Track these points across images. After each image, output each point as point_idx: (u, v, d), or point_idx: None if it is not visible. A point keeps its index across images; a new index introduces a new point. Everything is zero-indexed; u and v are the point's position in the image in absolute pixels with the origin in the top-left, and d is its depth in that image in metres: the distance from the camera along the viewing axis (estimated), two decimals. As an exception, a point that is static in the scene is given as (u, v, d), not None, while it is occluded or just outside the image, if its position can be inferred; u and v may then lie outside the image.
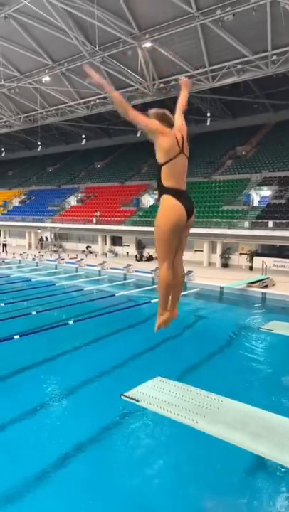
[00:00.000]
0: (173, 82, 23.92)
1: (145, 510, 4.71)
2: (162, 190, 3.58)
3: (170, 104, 22.35)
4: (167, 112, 3.61)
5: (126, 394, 4.30)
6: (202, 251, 25.23)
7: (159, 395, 4.14)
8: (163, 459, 5.57)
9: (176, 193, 3.55)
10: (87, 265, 22.80)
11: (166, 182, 3.55)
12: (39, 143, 36.01)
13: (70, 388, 7.83)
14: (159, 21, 19.58)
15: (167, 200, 3.54)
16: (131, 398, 4.13)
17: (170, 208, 3.51)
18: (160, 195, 3.60)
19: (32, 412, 6.88)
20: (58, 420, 6.80)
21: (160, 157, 3.53)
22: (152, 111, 3.58)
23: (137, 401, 3.95)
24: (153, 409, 4.06)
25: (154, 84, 24.20)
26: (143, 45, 20.97)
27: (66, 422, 6.71)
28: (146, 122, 3.47)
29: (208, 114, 28.95)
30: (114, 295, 16.21)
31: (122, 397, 4.30)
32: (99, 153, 41.36)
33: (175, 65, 22.30)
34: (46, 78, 25.74)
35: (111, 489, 4.98)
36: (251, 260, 22.75)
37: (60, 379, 8.41)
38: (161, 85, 24.36)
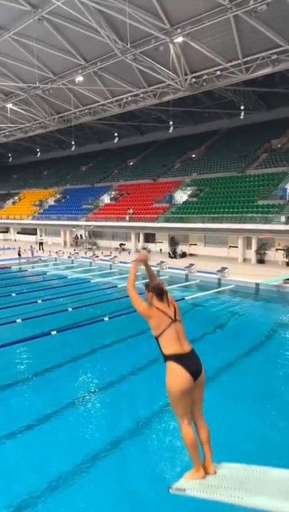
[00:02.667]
0: (205, 77, 23.60)
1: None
2: (164, 357, 3.88)
3: (202, 98, 22.18)
4: (161, 283, 4.23)
5: (173, 486, 4.23)
6: (237, 247, 24.83)
7: (204, 479, 4.16)
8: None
9: (177, 358, 3.78)
10: (121, 262, 23.01)
11: (165, 350, 3.86)
12: (73, 142, 36.62)
13: (106, 383, 7.96)
14: (190, 15, 19.34)
15: (169, 365, 3.81)
16: (179, 490, 4.11)
17: (173, 373, 3.77)
18: (165, 361, 3.90)
19: (68, 406, 7.04)
20: (95, 414, 6.93)
21: (153, 332, 3.96)
22: (151, 285, 4.20)
23: (184, 490, 3.96)
24: (200, 495, 4.05)
25: (186, 79, 23.96)
26: (175, 40, 20.79)
27: (102, 417, 6.83)
28: (139, 307, 4.04)
29: (242, 107, 28.33)
30: (148, 292, 16.25)
31: (170, 490, 4.22)
32: (131, 150, 41.56)
33: (208, 58, 21.97)
34: (79, 78, 26.08)
35: None
36: (288, 256, 22.14)
37: (96, 374, 8.56)
38: (193, 80, 24.09)
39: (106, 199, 37.34)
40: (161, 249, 29.32)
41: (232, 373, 8.31)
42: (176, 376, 3.74)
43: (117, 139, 37.38)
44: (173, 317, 3.95)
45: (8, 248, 30.78)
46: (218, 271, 18.24)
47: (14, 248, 29.54)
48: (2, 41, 23.49)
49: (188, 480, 4.01)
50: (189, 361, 3.81)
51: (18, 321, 11.22)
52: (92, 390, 7.83)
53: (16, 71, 27.66)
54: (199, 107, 31.69)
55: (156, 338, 3.93)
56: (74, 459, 5.46)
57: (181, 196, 30.91)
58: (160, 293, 4.06)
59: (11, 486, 5.04)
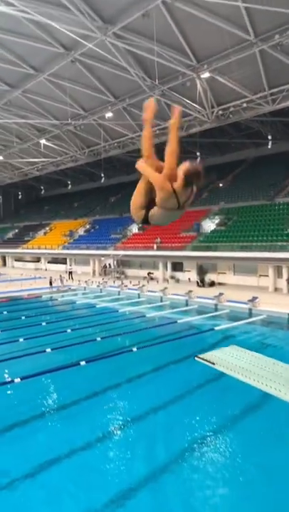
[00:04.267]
0: (232, 109, 24.04)
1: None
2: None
3: (229, 129, 22.45)
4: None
5: (201, 356, 4.17)
6: (267, 276, 24.31)
7: (235, 360, 3.98)
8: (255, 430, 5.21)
9: None
10: (149, 291, 22.95)
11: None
12: (102, 175, 37.68)
13: (135, 416, 7.78)
14: (216, 51, 19.96)
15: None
16: (206, 360, 4.00)
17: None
18: None
19: (97, 440, 6.90)
20: (124, 448, 6.75)
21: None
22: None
23: (213, 364, 3.84)
24: (230, 373, 3.90)
25: (212, 112, 24.47)
26: (201, 76, 21.42)
27: (132, 451, 6.63)
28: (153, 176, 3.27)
29: (269, 137, 28.50)
30: (176, 322, 16.07)
31: (196, 358, 4.19)
32: (159, 181, 42.24)
33: (234, 91, 22.44)
34: (109, 114, 27.15)
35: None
36: None
37: (125, 407, 8.40)
38: (220, 112, 24.56)
39: (134, 229, 37.79)
40: (189, 279, 29.11)
41: (266, 407, 7.95)
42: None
43: (145, 170, 38.17)
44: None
45: (39, 277, 31.42)
46: (249, 300, 17.85)
47: (45, 277, 30.13)
48: (38, 82, 24.93)
49: None
50: None
51: (48, 350, 11.29)
52: (121, 423, 7.67)
53: (49, 109, 29.14)
54: (226, 137, 32.13)
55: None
56: (100, 495, 5.30)
57: (209, 225, 30.90)
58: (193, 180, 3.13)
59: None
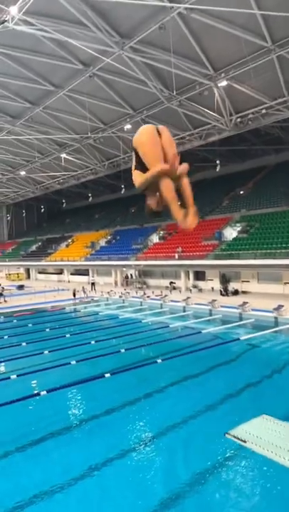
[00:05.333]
0: (250, 116, 23.89)
1: None
2: None
3: (248, 136, 22.25)
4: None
5: (231, 432, 3.99)
6: (292, 283, 23.81)
7: (267, 435, 3.76)
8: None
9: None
10: (172, 301, 22.82)
11: None
12: (122, 186, 38.01)
13: (160, 429, 7.66)
14: (234, 59, 19.95)
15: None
16: (236, 438, 3.82)
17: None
18: None
19: (122, 454, 6.82)
20: (149, 461, 6.64)
21: None
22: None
23: (244, 441, 3.65)
24: (263, 453, 3.69)
25: (231, 120, 24.38)
26: (219, 85, 21.42)
27: (157, 465, 6.51)
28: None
29: (290, 142, 28.12)
30: (200, 332, 15.88)
31: (227, 435, 4.01)
32: (179, 190, 42.25)
33: (252, 98, 22.32)
34: (128, 126, 27.45)
35: None
36: None
37: (150, 419, 8.30)
38: (239, 120, 24.44)
39: (155, 238, 37.83)
40: (212, 288, 28.81)
41: None
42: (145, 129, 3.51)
43: (164, 180, 38.28)
44: None
45: (62, 289, 31.75)
46: (275, 309, 17.48)
47: (68, 289, 30.42)
48: (57, 98, 25.50)
49: None
50: None
51: (73, 362, 11.32)
52: (145, 437, 7.57)
53: (69, 124, 29.73)
54: (246, 144, 31.91)
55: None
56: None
57: (230, 233, 30.60)
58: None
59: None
